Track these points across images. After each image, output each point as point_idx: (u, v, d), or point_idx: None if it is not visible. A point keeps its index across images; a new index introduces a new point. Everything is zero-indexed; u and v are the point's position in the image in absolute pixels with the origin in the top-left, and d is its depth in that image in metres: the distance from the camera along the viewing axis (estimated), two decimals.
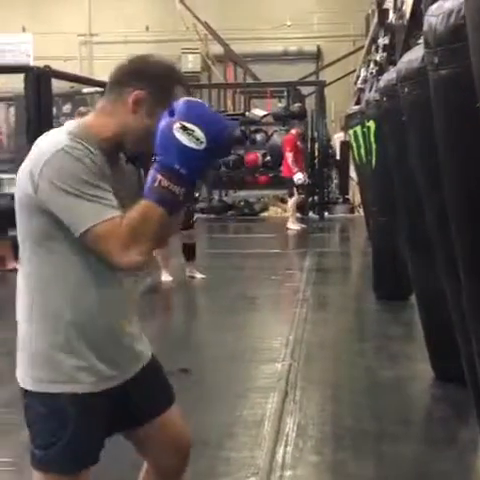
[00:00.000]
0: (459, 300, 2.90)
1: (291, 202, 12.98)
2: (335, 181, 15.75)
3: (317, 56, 20.24)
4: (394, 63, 5.27)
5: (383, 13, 7.84)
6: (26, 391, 2.01)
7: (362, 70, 10.53)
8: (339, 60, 18.08)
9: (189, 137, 1.84)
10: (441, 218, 3.01)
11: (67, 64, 16.63)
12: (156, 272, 7.83)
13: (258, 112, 15.99)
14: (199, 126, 1.84)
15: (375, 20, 9.65)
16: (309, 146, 14.90)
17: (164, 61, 2.04)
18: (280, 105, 16.16)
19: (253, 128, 15.70)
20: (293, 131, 13.11)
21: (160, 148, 1.87)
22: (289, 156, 12.69)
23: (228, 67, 19.01)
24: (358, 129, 8.61)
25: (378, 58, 7.26)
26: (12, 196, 2.03)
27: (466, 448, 3.66)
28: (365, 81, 8.97)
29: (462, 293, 2.75)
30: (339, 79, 17.27)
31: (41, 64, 9.02)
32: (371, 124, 6.67)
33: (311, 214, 14.28)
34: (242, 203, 15.23)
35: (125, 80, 1.97)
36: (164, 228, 1.91)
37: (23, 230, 1.98)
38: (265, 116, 15.64)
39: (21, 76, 8.61)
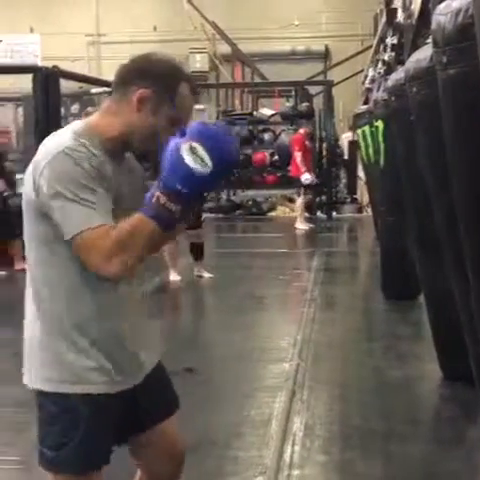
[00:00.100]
0: (468, 300, 2.89)
1: (299, 202, 12.96)
2: (343, 181, 15.72)
3: (325, 56, 20.21)
4: (402, 62, 5.26)
5: (391, 12, 7.81)
6: (39, 391, 2.01)
7: (370, 70, 10.51)
8: (347, 60, 18.04)
9: (195, 159, 1.83)
10: (450, 218, 3.01)
11: (75, 64, 16.66)
12: (164, 272, 7.83)
13: (266, 111, 15.99)
14: (207, 150, 1.83)
15: (383, 19, 9.62)
16: (317, 146, 14.88)
17: (168, 59, 2.03)
18: (288, 105, 16.15)
19: (261, 127, 15.69)
20: (301, 130, 13.09)
21: (165, 166, 1.86)
22: (297, 156, 12.67)
23: (236, 67, 19.00)
24: (366, 129, 8.60)
25: (386, 57, 7.24)
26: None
27: (474, 447, 3.64)
28: (373, 81, 8.96)
29: (471, 293, 2.75)
30: (347, 79, 17.24)
31: (49, 64, 9.05)
32: (379, 124, 6.65)
33: (319, 214, 14.26)
34: (250, 202, 15.23)
35: (129, 79, 1.97)
36: (155, 242, 1.91)
37: (29, 231, 1.99)
38: (273, 115, 15.63)
39: (29, 76, 8.63)
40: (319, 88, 16.13)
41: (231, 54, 18.47)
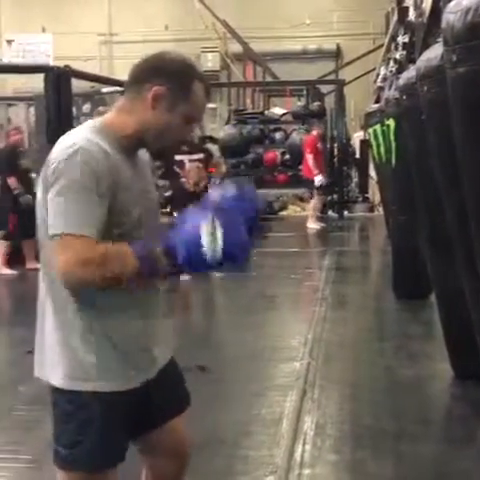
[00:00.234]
0: (479, 299, 2.88)
1: (313, 203, 12.96)
2: (355, 180, 15.69)
3: (336, 54, 20.17)
4: (414, 61, 5.24)
5: (403, 11, 7.79)
6: (54, 388, 2.01)
7: (382, 68, 10.47)
8: (359, 58, 18.00)
9: (210, 244, 1.84)
10: (461, 216, 2.99)
11: (87, 64, 16.70)
12: None
13: (277, 111, 15.99)
14: (224, 240, 1.83)
15: (395, 18, 9.60)
16: (328, 145, 14.86)
17: (182, 57, 2.03)
18: (299, 104, 16.13)
19: (272, 127, 15.70)
20: (314, 132, 13.08)
21: (180, 230, 1.87)
22: (309, 158, 12.67)
23: (247, 66, 19.00)
24: (378, 127, 8.57)
25: (398, 56, 7.21)
26: None
27: None
28: (385, 79, 8.93)
29: None
30: (359, 77, 17.19)
31: (61, 64, 9.07)
32: (391, 122, 6.63)
33: (330, 213, 14.24)
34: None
35: (143, 77, 1.98)
36: (123, 278, 1.89)
37: (42, 229, 1.99)
38: (284, 115, 15.62)
39: (41, 76, 8.65)
40: (331, 87, 16.08)
41: (242, 53, 18.47)
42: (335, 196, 14.49)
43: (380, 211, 12.71)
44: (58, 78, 8.49)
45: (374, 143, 9.42)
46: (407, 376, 4.76)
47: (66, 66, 8.79)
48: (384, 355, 5.29)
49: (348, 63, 18.76)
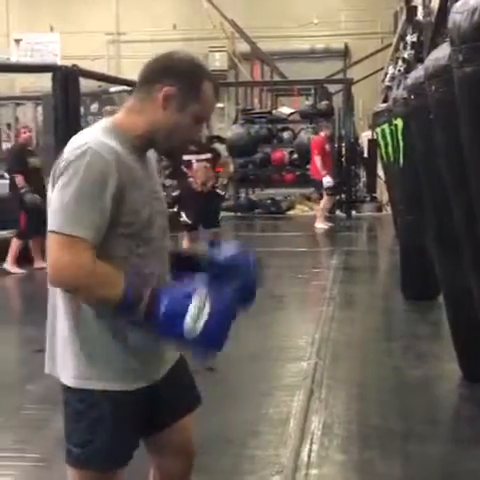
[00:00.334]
0: None
1: (322, 203, 12.95)
2: (363, 179, 15.67)
3: (344, 54, 20.13)
4: (422, 60, 5.22)
5: (411, 10, 7.78)
6: (65, 387, 2.02)
7: (390, 68, 10.45)
8: (367, 58, 17.97)
9: (194, 318, 1.85)
10: (469, 216, 2.99)
11: (95, 63, 16.72)
12: None
13: (285, 110, 15.98)
14: (207, 321, 1.85)
15: (403, 17, 9.59)
16: (336, 145, 14.85)
17: (190, 57, 2.05)
18: (307, 103, 16.12)
19: (280, 126, 15.69)
20: (322, 133, 13.07)
21: (173, 290, 1.89)
22: (317, 159, 12.67)
23: (255, 65, 18.99)
24: (386, 127, 8.55)
25: (406, 55, 7.20)
26: None
27: None
28: (393, 79, 8.91)
29: None
30: (367, 77, 17.17)
31: (69, 63, 9.09)
32: (399, 122, 6.62)
33: (338, 213, 14.22)
34: (269, 201, 15.22)
35: (153, 78, 1.99)
36: (99, 298, 1.91)
37: None
38: (292, 114, 15.61)
39: (49, 75, 8.67)
40: (339, 86, 16.08)
41: (250, 52, 18.46)
42: (343, 196, 14.48)
43: (388, 211, 12.69)
44: (66, 77, 8.51)
45: (382, 143, 9.40)
46: (415, 376, 4.75)
47: (74, 65, 8.81)
48: (392, 355, 5.28)
49: (356, 62, 18.74)
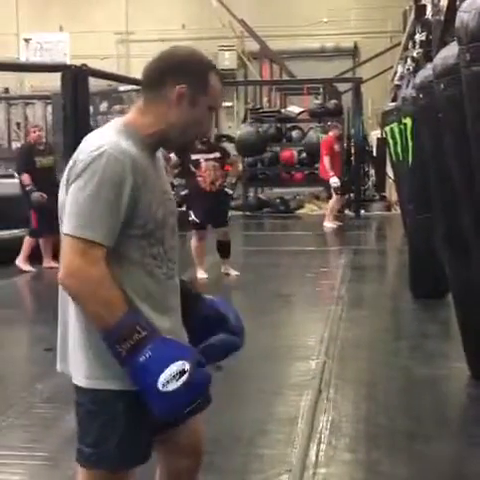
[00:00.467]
0: None
1: (330, 203, 12.94)
2: (372, 178, 15.64)
3: (354, 53, 20.12)
4: (431, 59, 5.21)
5: (420, 9, 7.75)
6: (77, 387, 2.02)
7: (399, 66, 10.43)
8: (376, 56, 17.94)
9: (171, 379, 1.84)
10: (477, 216, 2.98)
11: (104, 62, 16.75)
12: (191, 269, 7.86)
13: (294, 109, 15.96)
14: (186, 387, 1.85)
15: (412, 16, 9.56)
16: (345, 144, 14.82)
17: (192, 51, 2.08)
18: (316, 102, 16.10)
19: (289, 125, 15.67)
20: (331, 133, 13.06)
21: (156, 350, 1.87)
22: (326, 159, 12.65)
23: (264, 64, 18.99)
24: (395, 126, 8.54)
25: (415, 54, 7.17)
26: None
27: None
28: (402, 77, 8.89)
29: None
30: (376, 76, 17.14)
31: (78, 63, 9.11)
32: (407, 121, 6.60)
33: (347, 212, 14.20)
34: (277, 200, 15.21)
35: (162, 78, 2.01)
36: (93, 313, 1.90)
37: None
38: (301, 113, 15.59)
39: (59, 75, 8.69)
40: (348, 85, 16.06)
41: (259, 51, 18.46)
42: (352, 195, 14.46)
43: (397, 210, 12.68)
44: (75, 77, 8.54)
45: (391, 142, 9.38)
46: (423, 376, 4.74)
47: (83, 65, 8.83)
48: (400, 354, 5.28)
49: (365, 61, 18.71)
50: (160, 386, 1.84)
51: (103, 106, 14.93)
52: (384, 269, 9.80)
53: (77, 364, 2.01)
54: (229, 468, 3.45)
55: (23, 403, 4.35)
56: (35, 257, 8.79)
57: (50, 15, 19.60)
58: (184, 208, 7.98)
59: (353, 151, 14.85)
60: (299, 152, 15.17)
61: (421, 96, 4.81)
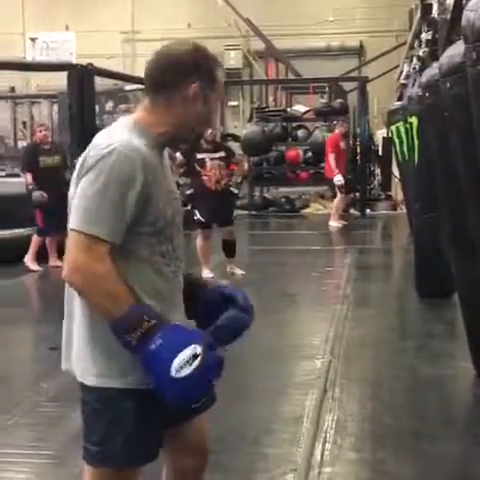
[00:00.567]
0: None
1: (335, 202, 12.93)
2: (378, 177, 15.62)
3: (359, 52, 20.09)
4: (437, 58, 5.20)
5: (426, 7, 7.74)
6: (83, 386, 2.02)
7: (405, 65, 10.42)
8: (382, 55, 17.91)
9: (179, 366, 1.84)
10: None
11: (110, 62, 16.77)
12: (197, 269, 7.86)
13: (300, 108, 15.94)
14: (190, 378, 1.84)
15: (418, 15, 9.55)
16: (351, 143, 14.81)
17: (196, 47, 2.08)
18: (322, 101, 16.09)
19: (295, 124, 15.65)
20: (337, 131, 13.05)
21: (167, 336, 1.87)
22: (331, 157, 12.64)
23: (269, 63, 18.98)
24: (400, 125, 8.52)
25: (421, 53, 7.16)
26: None
27: None
28: (408, 76, 8.87)
29: None
30: (382, 75, 17.11)
31: (84, 62, 9.12)
32: (413, 120, 6.59)
33: (353, 211, 14.19)
34: (283, 199, 15.20)
35: (171, 77, 2.01)
36: (99, 305, 1.91)
37: None
38: (307, 112, 15.58)
39: (65, 74, 8.71)
40: (353, 84, 16.04)
41: (265, 50, 18.45)
42: (357, 194, 14.44)
43: (403, 209, 12.66)
44: (81, 76, 8.55)
45: (397, 141, 9.37)
46: (429, 375, 4.74)
47: (89, 64, 8.85)
48: (406, 354, 5.27)
49: (371, 60, 18.69)
50: (173, 372, 1.84)
51: (109, 105, 14.96)
52: (390, 268, 9.79)
53: (82, 362, 2.01)
54: (234, 467, 3.45)
55: (28, 402, 4.36)
56: (41, 256, 8.81)
57: (56, 14, 19.62)
58: (189, 207, 7.98)
59: (359, 150, 14.83)
60: (305, 151, 15.16)
61: (427, 95, 4.80)
